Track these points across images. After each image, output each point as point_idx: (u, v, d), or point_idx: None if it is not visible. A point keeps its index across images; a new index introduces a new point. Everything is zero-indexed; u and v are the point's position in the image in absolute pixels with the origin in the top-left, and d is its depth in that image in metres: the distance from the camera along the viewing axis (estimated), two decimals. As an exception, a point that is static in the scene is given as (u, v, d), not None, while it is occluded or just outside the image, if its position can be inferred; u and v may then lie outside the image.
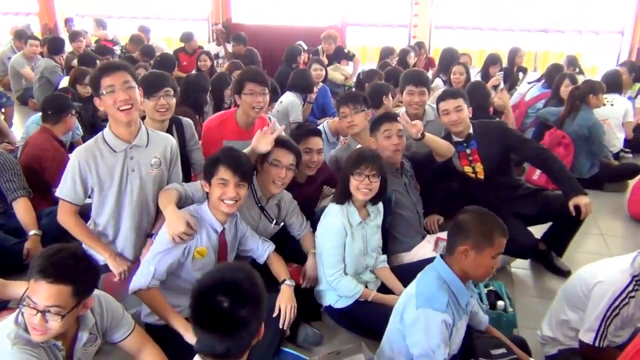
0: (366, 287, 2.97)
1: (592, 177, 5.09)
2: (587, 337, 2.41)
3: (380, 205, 3.09)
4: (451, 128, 3.68)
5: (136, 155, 2.79)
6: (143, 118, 3.17)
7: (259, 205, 3.06)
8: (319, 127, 4.21)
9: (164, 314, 2.51)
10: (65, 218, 2.78)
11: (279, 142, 3.00)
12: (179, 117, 3.46)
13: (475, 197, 3.65)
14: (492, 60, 6.81)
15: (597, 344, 2.38)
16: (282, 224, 3.23)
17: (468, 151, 3.70)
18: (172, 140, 2.99)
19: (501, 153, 3.70)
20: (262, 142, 2.98)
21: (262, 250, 2.94)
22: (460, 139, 3.70)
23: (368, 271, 3.06)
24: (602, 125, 5.14)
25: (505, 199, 3.67)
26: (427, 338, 2.11)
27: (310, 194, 3.53)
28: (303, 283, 3.04)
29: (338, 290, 2.92)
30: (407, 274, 2.89)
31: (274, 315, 2.67)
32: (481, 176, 3.71)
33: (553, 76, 6.07)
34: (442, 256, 2.31)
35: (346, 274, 2.93)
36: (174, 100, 3.26)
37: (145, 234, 2.94)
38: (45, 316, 1.80)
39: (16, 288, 2.51)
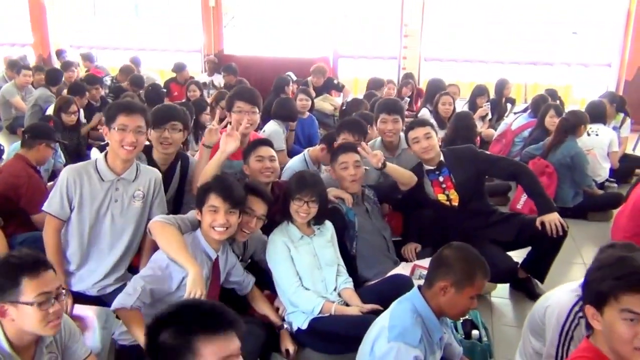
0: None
1: (577, 207, 5.07)
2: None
3: (328, 222, 3.18)
4: (422, 156, 3.69)
5: (121, 187, 2.90)
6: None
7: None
8: (300, 155, 4.26)
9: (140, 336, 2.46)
10: (49, 234, 2.86)
11: (254, 191, 2.96)
12: (188, 154, 3.52)
13: (450, 225, 3.67)
14: (479, 92, 6.90)
15: None
16: (249, 260, 3.21)
17: (441, 179, 3.71)
18: (157, 175, 3.06)
19: (475, 177, 3.72)
20: (229, 141, 3.14)
21: (247, 282, 3.01)
22: (432, 167, 3.72)
23: (333, 292, 3.05)
24: (585, 154, 5.15)
25: (481, 225, 3.67)
26: None
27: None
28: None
29: (299, 305, 2.92)
30: (374, 292, 3.02)
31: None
32: (455, 203, 3.71)
33: (539, 106, 6.12)
34: (419, 288, 2.29)
35: (307, 289, 2.94)
36: (179, 135, 3.31)
37: (110, 267, 2.94)
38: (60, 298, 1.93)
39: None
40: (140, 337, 2.40)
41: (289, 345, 2.88)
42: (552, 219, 3.41)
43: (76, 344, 2.17)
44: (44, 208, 2.88)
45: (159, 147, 3.26)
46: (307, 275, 2.99)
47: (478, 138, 6.28)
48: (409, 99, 7.84)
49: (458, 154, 3.78)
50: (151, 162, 3.25)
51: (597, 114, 5.66)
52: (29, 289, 1.85)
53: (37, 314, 1.86)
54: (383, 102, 4.44)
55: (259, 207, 2.91)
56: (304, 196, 2.96)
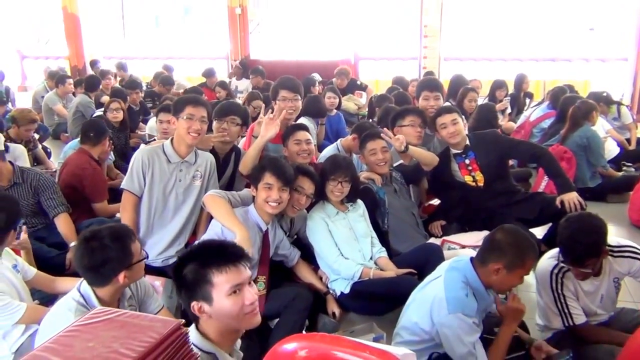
0: None
1: (596, 189, 5.34)
2: (556, 322, 2.65)
3: (359, 200, 3.53)
4: (449, 140, 4.00)
5: (184, 169, 3.33)
6: None
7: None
8: (333, 145, 4.61)
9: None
10: (127, 209, 3.29)
11: (304, 172, 3.30)
12: (240, 148, 3.86)
13: (476, 204, 3.98)
14: (498, 85, 7.22)
15: (567, 324, 2.60)
16: (295, 236, 3.54)
17: (467, 161, 4.00)
18: (212, 158, 3.46)
19: (498, 159, 4.00)
20: (269, 128, 3.47)
21: (293, 255, 3.36)
22: (459, 151, 4.02)
23: (369, 261, 3.38)
24: (600, 137, 5.44)
25: (505, 204, 3.96)
26: (466, 340, 2.35)
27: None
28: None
29: (341, 273, 3.25)
30: (407, 259, 3.37)
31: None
32: (481, 183, 4.00)
33: (558, 98, 6.36)
34: (471, 260, 2.52)
35: (346, 258, 3.27)
36: (237, 129, 3.72)
37: (173, 237, 3.34)
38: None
39: (64, 283, 2.87)
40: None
41: (334, 308, 3.23)
42: (571, 197, 3.68)
43: (150, 299, 2.52)
44: (122, 186, 3.31)
45: (218, 136, 3.67)
46: (345, 245, 3.33)
47: (499, 130, 6.57)
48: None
49: (482, 138, 4.08)
50: (212, 152, 3.63)
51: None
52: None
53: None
54: (424, 81, 4.85)
55: (309, 186, 3.26)
56: (338, 177, 3.33)
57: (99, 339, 1.28)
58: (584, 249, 2.50)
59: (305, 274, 3.39)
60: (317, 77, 8.30)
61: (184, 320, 1.39)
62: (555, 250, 2.71)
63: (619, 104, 6.87)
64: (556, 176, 3.93)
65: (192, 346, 1.40)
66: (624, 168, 5.87)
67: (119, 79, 10.08)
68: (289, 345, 1.42)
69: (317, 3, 11.48)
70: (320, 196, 3.40)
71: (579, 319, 2.64)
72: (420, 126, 4.12)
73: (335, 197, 3.39)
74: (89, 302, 2.18)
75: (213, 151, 3.61)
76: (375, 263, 3.40)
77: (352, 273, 3.23)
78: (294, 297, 2.96)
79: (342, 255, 3.29)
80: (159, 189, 3.28)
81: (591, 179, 5.38)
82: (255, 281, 2.93)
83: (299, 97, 4.05)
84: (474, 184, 4.04)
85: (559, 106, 6.18)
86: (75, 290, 2.22)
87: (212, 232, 3.02)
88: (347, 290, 3.25)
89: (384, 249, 3.49)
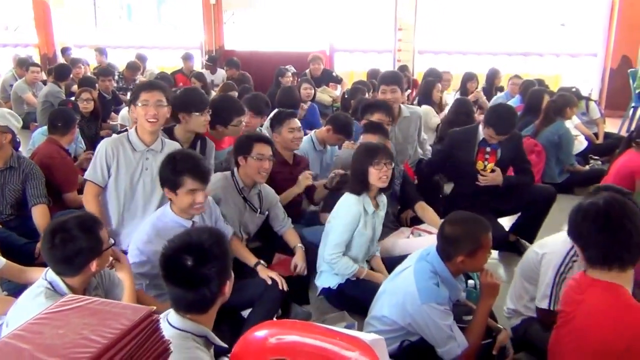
0: None
1: (564, 182, 5.46)
2: (543, 303, 2.69)
3: (384, 198, 3.43)
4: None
5: (151, 157, 3.28)
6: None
7: (242, 195, 3.40)
8: (307, 136, 4.62)
9: None
10: (89, 199, 3.26)
11: (259, 139, 3.42)
12: (206, 137, 3.86)
13: (463, 194, 4.11)
14: (469, 77, 7.38)
15: (552, 308, 2.66)
16: (267, 213, 3.55)
17: (488, 149, 4.05)
18: (178, 147, 3.39)
19: (511, 160, 4.13)
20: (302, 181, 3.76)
21: (226, 231, 3.13)
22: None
23: (365, 261, 3.40)
24: (572, 135, 5.55)
25: (495, 195, 4.08)
26: (441, 324, 2.43)
27: (297, 175, 3.94)
28: (294, 274, 3.33)
29: (335, 268, 3.22)
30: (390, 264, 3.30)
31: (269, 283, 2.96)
32: None
33: (527, 90, 6.49)
34: (437, 250, 2.56)
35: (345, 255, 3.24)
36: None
37: None
38: None
39: (33, 273, 2.83)
40: None
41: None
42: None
43: (117, 288, 2.49)
44: (85, 176, 3.29)
45: (202, 128, 3.72)
46: (363, 248, 3.28)
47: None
48: (409, 91, 8.16)
49: (511, 136, 4.10)
50: (174, 139, 3.62)
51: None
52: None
53: None
54: (383, 75, 4.87)
55: (267, 150, 3.35)
56: (382, 159, 3.17)
57: (69, 326, 1.28)
58: None
59: (239, 251, 3.19)
60: (292, 69, 8.29)
61: (155, 307, 1.39)
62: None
63: (588, 99, 7.03)
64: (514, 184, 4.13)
65: (163, 333, 1.40)
66: (591, 161, 6.01)
67: (96, 64, 9.94)
68: (260, 332, 1.44)
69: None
70: (361, 187, 3.24)
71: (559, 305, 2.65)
72: (387, 124, 4.17)
73: (382, 183, 3.19)
74: (57, 289, 2.16)
75: (175, 139, 3.61)
76: (368, 261, 3.42)
77: (348, 273, 3.22)
78: (266, 287, 2.96)
79: (344, 254, 3.23)
80: (125, 179, 3.26)
81: (559, 175, 5.51)
82: None
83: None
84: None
85: (526, 98, 6.31)
86: (42, 279, 2.20)
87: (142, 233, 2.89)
88: (334, 285, 3.27)
89: (378, 247, 3.50)
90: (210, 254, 1.80)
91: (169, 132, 3.68)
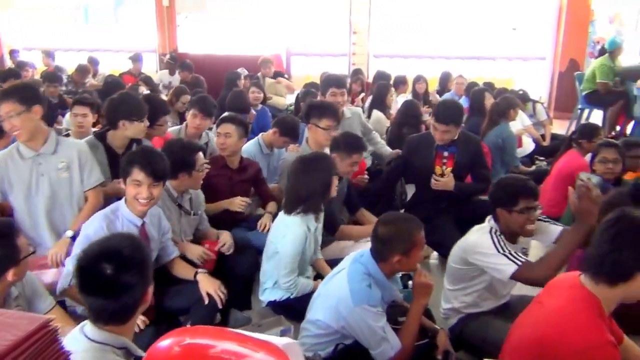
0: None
1: (509, 184, 5.57)
2: (512, 269, 2.57)
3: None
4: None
5: (44, 162, 3.14)
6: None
7: (177, 203, 3.31)
8: (254, 140, 4.59)
9: None
10: None
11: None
12: (142, 139, 3.75)
13: (430, 198, 4.08)
14: (416, 79, 7.58)
15: (520, 262, 2.57)
16: (200, 213, 3.50)
17: (445, 154, 4.00)
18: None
19: (468, 165, 4.10)
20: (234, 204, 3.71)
21: (171, 251, 3.07)
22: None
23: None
24: (515, 138, 5.67)
25: (454, 202, 4.08)
26: (374, 326, 2.42)
27: (240, 181, 3.93)
28: (223, 248, 3.31)
29: (294, 292, 3.12)
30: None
31: (206, 302, 2.83)
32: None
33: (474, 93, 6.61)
34: (371, 252, 2.55)
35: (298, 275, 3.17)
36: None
37: (57, 233, 3.20)
38: None
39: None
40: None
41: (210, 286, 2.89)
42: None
43: (39, 298, 2.39)
44: None
45: (142, 134, 3.64)
46: (306, 262, 3.24)
47: (424, 126, 6.76)
48: (363, 94, 8.20)
49: (470, 140, 4.12)
50: (107, 147, 3.57)
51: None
52: None
53: None
54: (332, 77, 4.87)
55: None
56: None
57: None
58: None
59: (179, 270, 3.09)
60: (244, 71, 8.25)
61: (54, 317, 1.34)
62: (479, 226, 2.84)
63: (534, 101, 7.19)
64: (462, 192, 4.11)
65: (62, 344, 1.35)
66: (537, 162, 6.14)
67: (40, 70, 9.67)
68: (166, 340, 1.40)
69: (248, -3, 11.36)
70: (310, 208, 3.14)
71: (521, 259, 2.62)
72: (334, 129, 4.15)
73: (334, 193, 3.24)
74: None
75: (107, 145, 3.54)
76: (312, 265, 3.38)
77: (308, 291, 3.13)
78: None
79: (297, 275, 3.16)
80: (22, 189, 3.11)
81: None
82: None
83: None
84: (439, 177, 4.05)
85: (470, 100, 6.44)
86: None
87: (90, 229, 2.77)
88: (279, 299, 3.20)
89: (319, 250, 3.45)
90: (131, 260, 1.73)
91: (101, 138, 3.59)
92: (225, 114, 5.55)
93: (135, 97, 3.81)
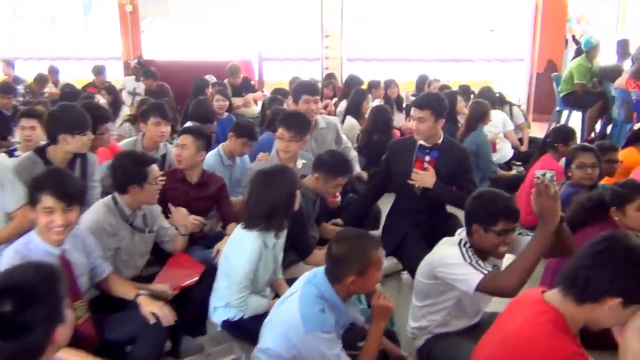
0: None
1: (485, 190, 5.47)
2: (478, 278, 2.46)
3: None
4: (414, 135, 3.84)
5: None
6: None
7: (129, 222, 3.12)
8: (214, 150, 4.43)
9: None
10: None
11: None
12: (87, 153, 3.60)
13: (408, 209, 3.91)
14: (387, 84, 7.53)
15: (486, 272, 2.47)
16: (156, 229, 3.32)
17: (427, 158, 3.79)
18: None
19: (451, 175, 3.79)
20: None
21: (102, 269, 2.85)
22: (427, 145, 3.79)
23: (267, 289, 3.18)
24: (489, 143, 5.59)
25: (430, 218, 3.87)
26: (329, 354, 2.28)
27: (198, 198, 3.76)
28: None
29: (246, 311, 2.95)
30: None
31: (152, 322, 2.64)
32: (421, 187, 3.79)
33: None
34: (326, 273, 2.39)
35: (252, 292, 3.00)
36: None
37: None
38: None
39: None
40: None
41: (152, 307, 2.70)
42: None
43: None
44: None
45: (85, 148, 3.50)
46: (264, 280, 3.04)
47: (398, 132, 6.67)
48: (336, 99, 8.08)
49: (454, 147, 3.90)
50: (48, 163, 3.36)
51: (488, 98, 6.27)
52: None
53: None
54: (305, 84, 4.63)
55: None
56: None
57: None
58: None
59: (116, 288, 2.88)
60: (212, 78, 8.11)
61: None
62: (450, 238, 2.74)
63: (511, 104, 7.12)
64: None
65: None
66: (514, 167, 6.06)
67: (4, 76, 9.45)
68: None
69: (217, 1, 11.23)
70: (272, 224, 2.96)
71: (488, 269, 2.52)
72: (302, 141, 4.00)
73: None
74: None
75: (48, 161, 3.36)
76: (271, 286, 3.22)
77: (261, 310, 2.97)
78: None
79: (250, 292, 2.99)
80: None
81: (480, 183, 5.49)
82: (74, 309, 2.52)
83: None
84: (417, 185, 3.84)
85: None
86: None
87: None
88: (236, 319, 3.00)
89: (281, 270, 3.27)
90: (35, 295, 1.52)
91: (41, 154, 3.40)
92: (188, 123, 5.47)
93: (78, 108, 3.61)
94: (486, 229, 2.54)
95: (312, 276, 2.45)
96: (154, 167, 3.14)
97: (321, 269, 2.44)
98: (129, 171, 3.03)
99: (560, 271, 1.91)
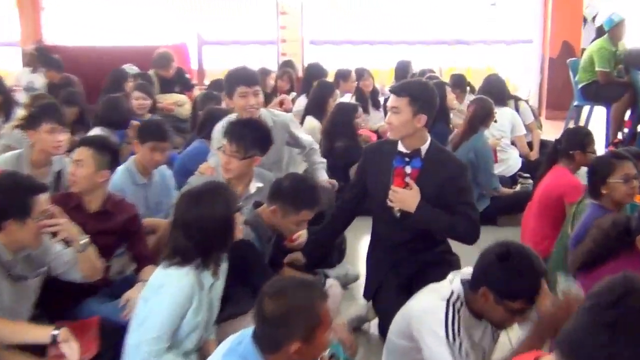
0: None
1: (484, 212, 5.31)
2: None
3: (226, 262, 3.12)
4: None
5: None
6: None
7: (8, 272, 2.97)
8: (122, 166, 4.27)
9: None
10: None
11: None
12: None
13: (389, 234, 3.75)
14: (360, 73, 7.47)
15: None
16: (46, 268, 3.16)
17: (408, 170, 3.56)
18: None
19: (439, 194, 3.53)
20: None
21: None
22: (406, 151, 3.57)
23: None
24: (490, 150, 5.48)
25: (414, 254, 3.70)
26: None
27: (99, 233, 3.50)
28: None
29: None
30: None
31: None
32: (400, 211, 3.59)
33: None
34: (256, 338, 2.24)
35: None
36: None
37: None
38: None
39: None
40: None
41: None
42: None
43: None
44: None
45: None
46: (192, 335, 2.91)
47: (375, 135, 6.57)
48: (295, 94, 7.94)
49: (445, 156, 3.69)
50: None
51: (497, 93, 6.17)
52: None
53: None
54: (241, 72, 4.45)
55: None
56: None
57: None
58: None
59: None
60: (133, 69, 7.96)
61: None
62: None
63: (517, 99, 7.04)
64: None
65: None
66: (520, 180, 5.97)
67: None
68: None
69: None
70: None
71: None
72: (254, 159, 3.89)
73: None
74: None
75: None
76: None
77: None
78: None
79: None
80: None
81: (478, 201, 5.36)
82: None
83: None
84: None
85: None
86: None
87: None
88: None
89: (213, 330, 3.14)
90: None
91: None
92: (95, 130, 5.27)
93: None
94: (499, 302, 2.46)
95: (235, 343, 2.27)
96: (42, 197, 2.97)
97: (248, 332, 2.25)
98: (4, 201, 2.90)
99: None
